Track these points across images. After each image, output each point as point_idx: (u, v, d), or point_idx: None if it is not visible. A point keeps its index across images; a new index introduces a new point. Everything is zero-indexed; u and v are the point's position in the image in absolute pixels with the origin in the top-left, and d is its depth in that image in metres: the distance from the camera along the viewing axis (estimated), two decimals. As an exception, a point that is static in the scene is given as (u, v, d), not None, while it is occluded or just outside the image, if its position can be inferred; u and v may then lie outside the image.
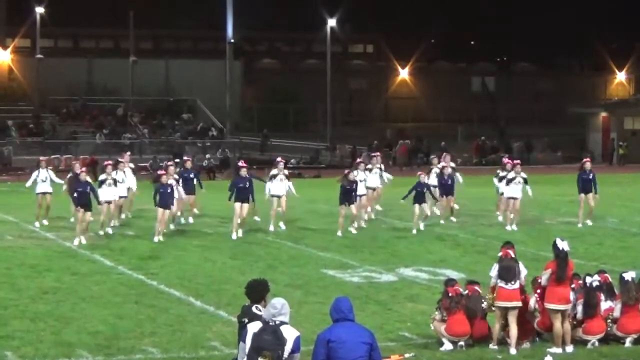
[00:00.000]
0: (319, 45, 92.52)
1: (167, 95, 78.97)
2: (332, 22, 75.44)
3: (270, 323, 10.53)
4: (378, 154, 36.63)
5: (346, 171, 30.88)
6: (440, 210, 32.68)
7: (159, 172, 30.25)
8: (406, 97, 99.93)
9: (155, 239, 28.02)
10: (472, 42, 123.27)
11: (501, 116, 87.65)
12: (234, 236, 28.72)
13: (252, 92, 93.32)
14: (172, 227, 30.08)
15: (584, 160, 33.35)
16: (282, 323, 10.56)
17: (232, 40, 67.21)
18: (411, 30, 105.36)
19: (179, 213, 31.00)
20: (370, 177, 32.72)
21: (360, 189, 30.89)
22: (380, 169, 33.85)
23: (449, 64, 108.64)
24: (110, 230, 29.60)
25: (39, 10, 75.04)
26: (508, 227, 30.70)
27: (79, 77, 77.69)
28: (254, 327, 10.63)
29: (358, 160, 35.79)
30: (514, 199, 30.90)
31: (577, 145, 75.58)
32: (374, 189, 33.14)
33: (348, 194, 29.59)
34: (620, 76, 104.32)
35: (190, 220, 31.97)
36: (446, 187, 32.69)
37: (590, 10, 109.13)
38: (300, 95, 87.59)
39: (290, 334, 10.55)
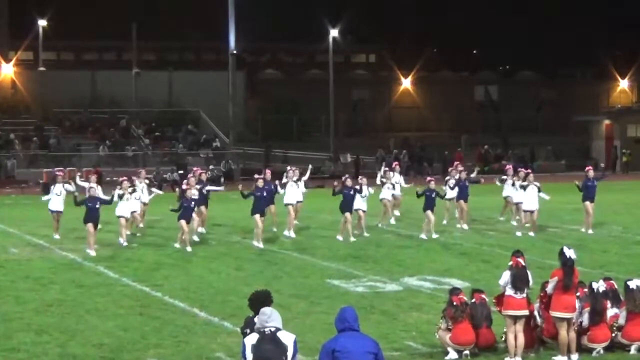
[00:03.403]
0: (322, 55, 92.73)
1: (170, 107, 79.05)
2: (334, 33, 75.57)
3: (266, 331, 10.55)
4: (397, 163, 37.21)
5: (343, 178, 31.64)
6: (458, 216, 33.67)
7: (184, 186, 30.57)
8: (409, 106, 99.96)
9: (188, 249, 28.25)
10: (475, 51, 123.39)
11: (504, 125, 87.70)
12: (261, 245, 29.11)
13: (255, 103, 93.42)
14: (195, 238, 30.09)
15: (587, 168, 33.59)
16: (277, 329, 10.58)
17: (235, 52, 67.28)
18: (413, 40, 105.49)
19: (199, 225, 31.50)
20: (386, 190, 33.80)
21: (359, 204, 31.22)
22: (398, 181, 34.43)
23: (451, 73, 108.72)
24: (124, 243, 29.62)
25: (42, 23, 75.21)
26: (531, 233, 31.09)
27: (82, 90, 77.75)
28: (251, 339, 10.66)
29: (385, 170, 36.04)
30: (531, 211, 31.33)
31: (581, 153, 75.63)
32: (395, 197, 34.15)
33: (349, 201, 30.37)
34: (623, 84, 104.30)
35: (203, 230, 32.18)
36: (463, 191, 33.08)
37: (592, 18, 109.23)
38: (303, 106, 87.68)
39: (288, 339, 10.64)
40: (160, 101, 78.96)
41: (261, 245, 29.14)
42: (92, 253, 27.68)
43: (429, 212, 30.70)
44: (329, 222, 35.36)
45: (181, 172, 58.35)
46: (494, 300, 16.47)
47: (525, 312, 15.80)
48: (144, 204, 32.61)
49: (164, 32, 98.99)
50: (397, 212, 35.66)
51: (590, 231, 31.72)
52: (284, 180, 32.37)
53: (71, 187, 32.61)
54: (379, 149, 69.23)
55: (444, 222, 33.74)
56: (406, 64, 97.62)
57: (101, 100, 78.46)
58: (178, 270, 25.08)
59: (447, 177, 34.61)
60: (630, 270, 22.30)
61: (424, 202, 30.82)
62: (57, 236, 31.63)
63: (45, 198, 33.16)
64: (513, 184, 32.74)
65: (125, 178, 31.29)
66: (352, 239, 30.18)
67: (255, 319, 11.39)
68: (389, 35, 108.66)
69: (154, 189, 34.51)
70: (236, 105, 69.63)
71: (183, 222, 28.54)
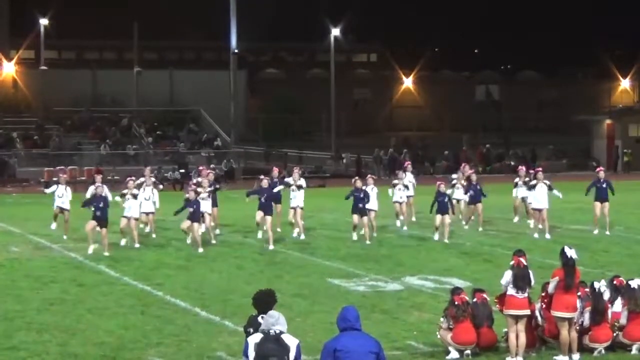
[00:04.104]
0: (323, 54, 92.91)
1: (171, 106, 79.05)
2: (335, 32, 75.60)
3: (271, 332, 10.59)
4: (408, 163, 37.03)
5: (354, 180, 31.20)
6: (466, 219, 33.45)
7: (191, 186, 30.29)
8: (410, 106, 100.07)
9: (200, 250, 28.03)
10: (476, 51, 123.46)
11: (505, 124, 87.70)
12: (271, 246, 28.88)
13: (256, 102, 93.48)
14: (213, 242, 29.92)
15: (598, 169, 33.54)
16: (282, 332, 10.62)
17: (236, 51, 67.27)
18: (415, 39, 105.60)
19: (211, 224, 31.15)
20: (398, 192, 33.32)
21: (370, 204, 30.78)
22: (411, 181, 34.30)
23: (453, 72, 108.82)
24: (137, 245, 29.34)
25: (43, 21, 75.24)
26: (543, 236, 30.68)
27: (83, 88, 77.75)
28: (254, 338, 10.73)
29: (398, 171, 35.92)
30: (540, 210, 31.06)
31: (582, 152, 75.63)
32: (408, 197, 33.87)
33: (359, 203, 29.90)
34: (625, 83, 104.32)
35: (203, 229, 32.00)
36: (475, 194, 32.97)
37: (593, 18, 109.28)
38: (304, 105, 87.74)
39: (291, 341, 10.68)
40: (162, 100, 78.95)
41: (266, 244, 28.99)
42: (90, 250, 27.64)
43: (442, 216, 29.89)
44: (330, 221, 35.33)
45: (182, 171, 58.35)
46: (495, 300, 16.46)
47: (527, 312, 15.79)
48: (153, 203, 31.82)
49: (164, 31, 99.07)
50: (413, 218, 34.97)
51: (595, 231, 31.62)
52: (288, 180, 32.00)
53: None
54: (376, 149, 69.21)
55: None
56: (407, 63, 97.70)
57: (102, 99, 78.46)
58: (179, 269, 25.07)
59: (455, 180, 34.28)
60: (632, 270, 22.27)
61: (437, 207, 30.05)
62: (53, 226, 31.53)
63: (48, 191, 32.87)
64: (527, 187, 32.27)
65: (132, 178, 30.93)
66: (368, 242, 29.66)
67: (260, 319, 11.40)
68: (390, 35, 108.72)
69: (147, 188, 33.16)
70: (237, 105, 69.64)
71: (189, 222, 28.40)
